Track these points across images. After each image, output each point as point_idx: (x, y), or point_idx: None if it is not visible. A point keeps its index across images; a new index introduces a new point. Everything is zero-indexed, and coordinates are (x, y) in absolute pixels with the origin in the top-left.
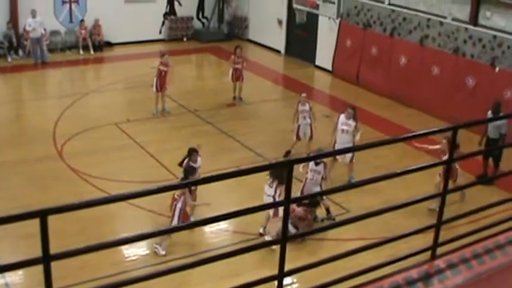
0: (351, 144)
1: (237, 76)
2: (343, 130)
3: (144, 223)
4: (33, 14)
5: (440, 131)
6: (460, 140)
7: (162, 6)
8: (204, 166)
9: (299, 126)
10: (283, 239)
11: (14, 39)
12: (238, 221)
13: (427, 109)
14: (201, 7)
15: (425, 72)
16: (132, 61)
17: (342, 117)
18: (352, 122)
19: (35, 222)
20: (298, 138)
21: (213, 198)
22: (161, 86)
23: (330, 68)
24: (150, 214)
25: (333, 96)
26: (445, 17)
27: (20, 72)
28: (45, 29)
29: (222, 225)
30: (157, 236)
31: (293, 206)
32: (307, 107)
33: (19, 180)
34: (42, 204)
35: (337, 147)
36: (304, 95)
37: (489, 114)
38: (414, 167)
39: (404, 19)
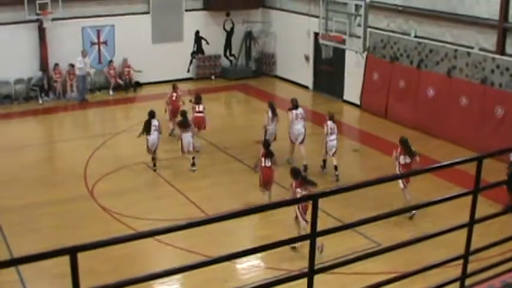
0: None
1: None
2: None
3: (176, 261)
4: (84, 54)
5: (466, 161)
6: (487, 169)
7: (189, 45)
8: (234, 202)
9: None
10: (310, 271)
11: (45, 82)
12: (269, 257)
13: (456, 140)
14: (228, 45)
15: (453, 103)
16: (161, 100)
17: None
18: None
19: (68, 262)
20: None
21: (242, 233)
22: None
23: (358, 102)
24: (181, 252)
25: (362, 130)
26: (472, 48)
27: (51, 114)
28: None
29: (254, 261)
30: (185, 272)
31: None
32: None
33: (51, 221)
34: (73, 244)
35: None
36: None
37: None
38: (440, 198)
39: (431, 51)
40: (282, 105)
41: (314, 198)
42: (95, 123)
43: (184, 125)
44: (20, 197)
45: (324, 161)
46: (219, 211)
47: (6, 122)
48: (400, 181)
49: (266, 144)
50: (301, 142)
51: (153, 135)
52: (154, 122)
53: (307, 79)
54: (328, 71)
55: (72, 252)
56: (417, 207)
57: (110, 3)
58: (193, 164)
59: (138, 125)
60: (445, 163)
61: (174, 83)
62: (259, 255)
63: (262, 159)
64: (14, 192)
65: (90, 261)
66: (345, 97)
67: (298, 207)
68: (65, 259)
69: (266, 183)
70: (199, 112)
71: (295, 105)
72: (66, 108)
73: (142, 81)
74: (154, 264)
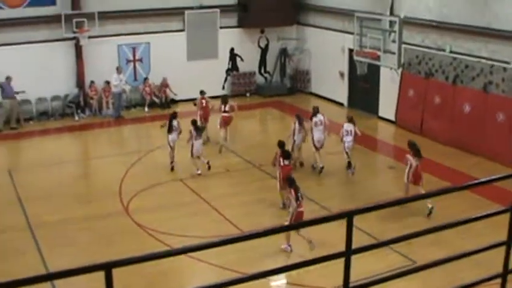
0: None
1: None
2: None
3: (210, 277)
4: (119, 70)
5: (503, 178)
6: None
7: (224, 62)
8: (271, 220)
9: None
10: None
11: (81, 99)
12: (304, 274)
13: (493, 157)
14: (263, 62)
15: (490, 119)
16: (196, 117)
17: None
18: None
19: (103, 277)
20: None
21: (277, 250)
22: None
23: (393, 118)
24: (216, 269)
25: (397, 146)
26: (508, 63)
27: (87, 131)
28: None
29: (288, 278)
30: None
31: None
32: None
33: (86, 237)
34: (108, 260)
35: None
36: None
37: None
38: (478, 215)
39: (466, 66)
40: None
41: (349, 215)
42: (130, 139)
43: (197, 132)
44: (56, 213)
45: (349, 162)
46: (254, 228)
47: (43, 138)
48: (405, 178)
49: (281, 144)
50: (320, 148)
51: (173, 134)
52: (174, 123)
53: (342, 96)
54: (363, 88)
55: (108, 268)
56: (454, 224)
57: (146, 21)
58: (209, 168)
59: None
60: (482, 180)
61: (201, 89)
62: (293, 272)
63: (281, 159)
64: (50, 207)
65: (124, 277)
66: (380, 113)
67: (292, 218)
68: (100, 275)
69: (285, 180)
70: (226, 112)
71: (315, 113)
72: (101, 125)
73: (177, 98)
74: (189, 281)
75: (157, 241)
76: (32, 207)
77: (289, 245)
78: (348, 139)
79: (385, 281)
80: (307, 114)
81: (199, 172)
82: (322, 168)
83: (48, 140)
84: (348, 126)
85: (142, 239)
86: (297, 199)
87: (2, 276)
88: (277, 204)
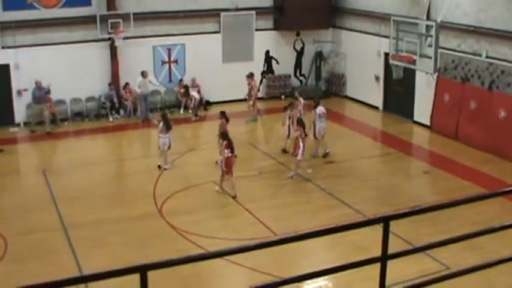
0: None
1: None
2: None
3: (244, 280)
4: (145, 74)
5: None
6: None
7: (259, 64)
8: (304, 223)
9: None
10: None
11: (116, 100)
12: (337, 279)
13: None
14: (298, 65)
15: None
16: (231, 119)
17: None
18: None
19: (137, 279)
20: None
21: (311, 255)
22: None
23: (428, 123)
24: (250, 271)
25: (432, 151)
26: None
27: (121, 132)
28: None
29: (322, 282)
30: None
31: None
32: None
33: (119, 238)
34: (142, 261)
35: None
36: None
37: None
38: None
39: (502, 72)
40: (351, 125)
41: (385, 220)
42: None
43: (165, 128)
44: (90, 213)
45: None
46: (288, 231)
47: (78, 139)
48: (300, 154)
49: (223, 113)
50: (321, 139)
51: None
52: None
53: (378, 100)
54: (398, 92)
55: (143, 270)
56: (489, 230)
57: (181, 23)
58: (165, 163)
59: (207, 144)
60: None
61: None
62: (327, 276)
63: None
64: (84, 208)
65: (158, 279)
66: (415, 118)
67: (222, 166)
68: (133, 276)
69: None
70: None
71: (316, 104)
72: (136, 126)
73: (212, 100)
74: (223, 283)
75: (191, 243)
76: (66, 207)
77: (221, 189)
78: (321, 123)
79: (421, 287)
80: (341, 118)
81: (166, 167)
82: (328, 153)
83: (83, 140)
84: (320, 110)
85: (176, 241)
86: (230, 151)
87: (35, 277)
88: (310, 207)
